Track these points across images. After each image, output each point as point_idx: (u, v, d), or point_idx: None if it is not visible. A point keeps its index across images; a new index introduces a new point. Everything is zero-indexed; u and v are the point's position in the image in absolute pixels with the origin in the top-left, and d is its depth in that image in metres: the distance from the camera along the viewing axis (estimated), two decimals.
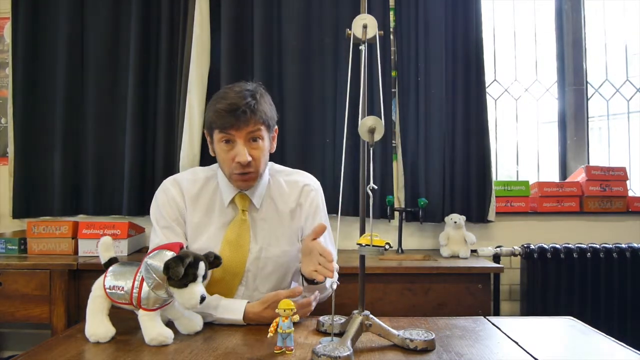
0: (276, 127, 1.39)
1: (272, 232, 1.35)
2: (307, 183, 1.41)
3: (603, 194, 2.41)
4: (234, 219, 1.33)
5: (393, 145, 2.40)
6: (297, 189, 1.39)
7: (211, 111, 1.27)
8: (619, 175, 2.43)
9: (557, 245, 2.23)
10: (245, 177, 1.27)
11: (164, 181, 1.39)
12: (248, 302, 1.21)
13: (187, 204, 1.34)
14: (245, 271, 1.32)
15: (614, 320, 2.18)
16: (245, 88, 1.27)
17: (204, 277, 1.05)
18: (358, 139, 0.97)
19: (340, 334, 1.01)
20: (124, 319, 1.12)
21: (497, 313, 2.22)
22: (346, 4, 2.35)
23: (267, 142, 1.31)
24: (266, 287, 1.35)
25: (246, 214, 1.33)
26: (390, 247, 0.94)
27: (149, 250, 1.32)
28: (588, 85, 2.66)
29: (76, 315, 1.95)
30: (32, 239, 2.15)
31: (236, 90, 1.27)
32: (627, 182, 2.44)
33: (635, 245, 2.23)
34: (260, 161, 1.28)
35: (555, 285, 2.20)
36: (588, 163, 2.61)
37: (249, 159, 1.24)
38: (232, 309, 1.19)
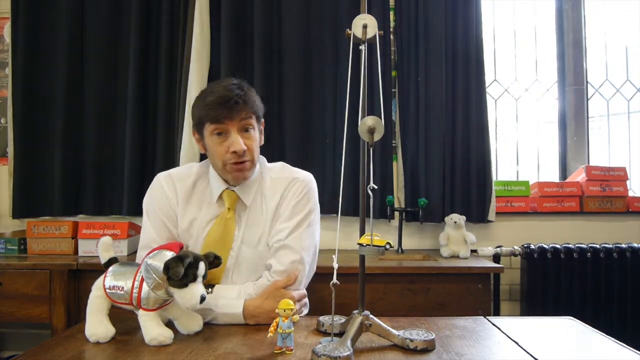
0: (263, 120, 1.38)
1: (258, 231, 1.31)
2: (296, 177, 1.36)
3: (603, 194, 2.41)
4: (218, 216, 1.31)
5: (393, 145, 2.40)
6: (285, 184, 1.35)
7: (200, 106, 1.26)
8: (619, 175, 2.43)
9: (557, 245, 2.23)
10: (242, 167, 1.26)
11: (158, 175, 1.37)
12: (246, 300, 1.20)
13: (180, 201, 1.32)
14: (225, 270, 1.29)
15: (614, 320, 2.18)
16: (231, 82, 1.28)
17: (204, 277, 1.05)
18: (358, 139, 0.97)
19: (340, 334, 1.00)
20: (124, 319, 1.12)
21: (497, 313, 2.22)
22: (346, 4, 2.35)
23: (257, 133, 1.32)
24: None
25: (232, 212, 1.30)
26: (391, 246, 0.94)
27: (139, 246, 1.31)
28: (588, 85, 2.66)
29: (76, 315, 1.94)
30: (32, 239, 2.15)
31: (223, 84, 1.27)
32: (627, 182, 2.44)
33: (635, 245, 2.23)
34: (254, 151, 1.29)
35: (555, 285, 2.20)
36: (588, 163, 2.61)
37: (245, 147, 1.24)
38: (231, 303, 1.18)
